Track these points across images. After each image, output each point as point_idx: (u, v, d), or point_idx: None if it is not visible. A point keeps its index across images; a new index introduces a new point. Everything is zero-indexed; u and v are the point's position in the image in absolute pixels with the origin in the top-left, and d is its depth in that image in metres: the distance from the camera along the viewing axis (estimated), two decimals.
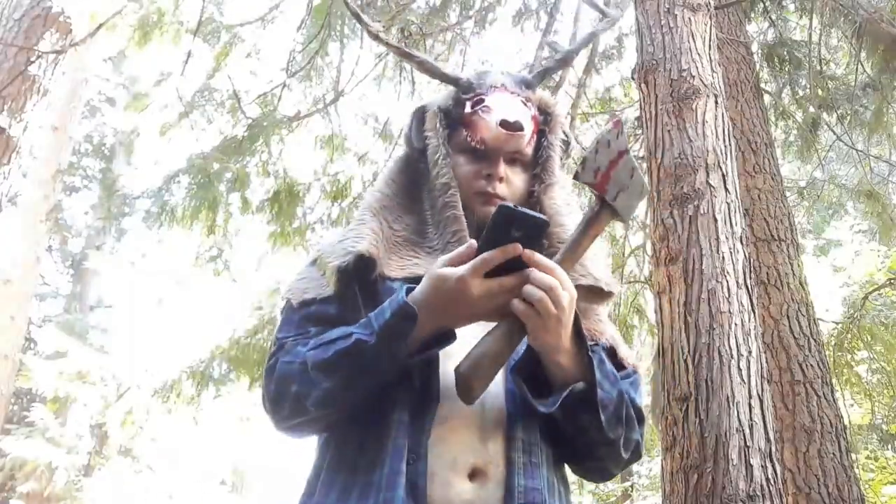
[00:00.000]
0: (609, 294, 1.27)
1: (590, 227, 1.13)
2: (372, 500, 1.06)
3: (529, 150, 1.32)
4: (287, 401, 1.14)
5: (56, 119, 10.71)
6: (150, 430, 10.12)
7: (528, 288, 1.05)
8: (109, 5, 5.15)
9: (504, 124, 1.25)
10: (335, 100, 5.92)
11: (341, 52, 5.86)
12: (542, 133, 1.34)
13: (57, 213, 11.29)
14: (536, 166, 1.32)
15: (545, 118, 1.35)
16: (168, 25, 5.51)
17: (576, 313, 1.11)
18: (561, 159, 1.35)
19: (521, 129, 1.26)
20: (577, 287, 1.14)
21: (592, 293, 1.26)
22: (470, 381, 1.05)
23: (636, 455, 1.23)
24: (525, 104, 1.32)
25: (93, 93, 13.49)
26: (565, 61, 1.50)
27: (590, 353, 1.13)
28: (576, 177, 1.12)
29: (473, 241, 1.06)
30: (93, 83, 12.78)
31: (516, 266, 1.06)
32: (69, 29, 4.60)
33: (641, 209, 6.19)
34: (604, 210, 1.12)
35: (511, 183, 1.29)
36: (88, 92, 12.53)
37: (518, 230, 1.04)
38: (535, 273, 1.05)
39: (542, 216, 1.07)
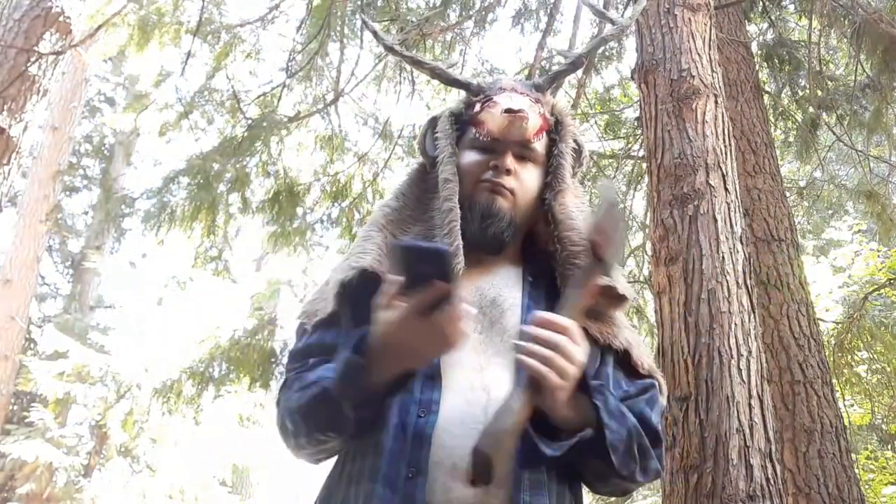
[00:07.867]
0: (623, 299, 1.27)
1: (588, 280, 1.17)
2: None
3: (539, 147, 1.32)
4: (289, 437, 1.21)
5: (56, 119, 10.77)
6: (150, 430, 10.12)
7: (535, 348, 1.06)
8: (109, 5, 5.15)
9: (507, 110, 1.27)
10: (335, 100, 5.91)
11: (341, 52, 5.86)
12: (553, 141, 1.35)
13: (57, 213, 11.32)
14: (548, 174, 1.33)
15: (556, 125, 1.36)
16: (168, 25, 5.50)
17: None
18: (573, 167, 1.36)
19: (523, 113, 1.27)
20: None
21: (607, 297, 1.26)
22: (491, 461, 0.98)
23: (656, 475, 1.22)
24: (534, 103, 1.33)
25: (93, 93, 13.50)
26: (574, 65, 1.50)
27: (594, 401, 1.11)
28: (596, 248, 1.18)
29: (397, 278, 1.03)
30: (93, 83, 12.81)
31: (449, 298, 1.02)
32: (69, 29, 4.59)
33: (641, 210, 6.19)
34: (597, 265, 1.18)
35: (521, 179, 1.29)
36: (88, 92, 12.55)
37: (427, 265, 0.99)
38: (538, 332, 1.07)
39: (439, 246, 1.02)
